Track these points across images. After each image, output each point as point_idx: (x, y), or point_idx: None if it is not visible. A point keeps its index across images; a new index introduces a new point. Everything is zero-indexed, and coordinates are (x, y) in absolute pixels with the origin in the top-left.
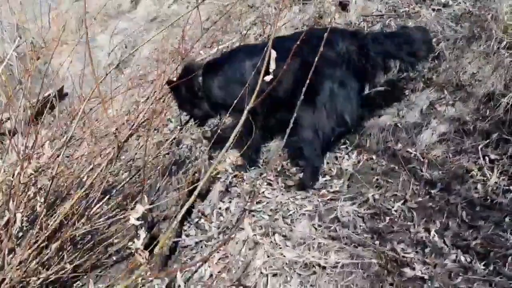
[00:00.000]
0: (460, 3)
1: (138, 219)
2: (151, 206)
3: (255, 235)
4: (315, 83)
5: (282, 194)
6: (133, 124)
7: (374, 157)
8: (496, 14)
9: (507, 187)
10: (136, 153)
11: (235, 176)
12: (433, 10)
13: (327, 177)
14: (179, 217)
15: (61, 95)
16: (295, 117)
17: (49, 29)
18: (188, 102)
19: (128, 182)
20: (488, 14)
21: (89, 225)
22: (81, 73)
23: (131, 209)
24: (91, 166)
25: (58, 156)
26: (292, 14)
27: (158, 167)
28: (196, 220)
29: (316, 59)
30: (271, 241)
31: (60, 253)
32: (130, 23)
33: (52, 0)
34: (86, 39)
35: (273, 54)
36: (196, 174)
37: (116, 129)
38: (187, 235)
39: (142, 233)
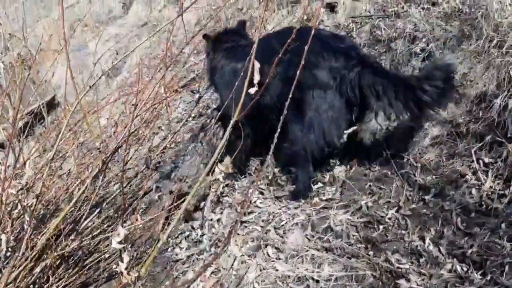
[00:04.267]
0: (449, 1)
1: (120, 242)
2: (141, 222)
3: (243, 255)
4: (304, 100)
5: (274, 204)
6: (121, 137)
7: (366, 162)
8: (486, 12)
9: (502, 192)
10: (126, 164)
11: (226, 185)
12: (422, 9)
13: (320, 184)
14: (164, 237)
15: (52, 104)
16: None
17: (45, 38)
18: None
19: (119, 193)
20: (478, 12)
21: (79, 241)
22: (72, 81)
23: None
24: (79, 180)
25: (43, 174)
26: (281, 17)
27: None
28: (188, 232)
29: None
30: (264, 254)
31: (50, 271)
32: (121, 28)
33: (43, 8)
34: (66, 48)
35: (257, 65)
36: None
37: (101, 143)
38: (179, 248)
39: (126, 257)
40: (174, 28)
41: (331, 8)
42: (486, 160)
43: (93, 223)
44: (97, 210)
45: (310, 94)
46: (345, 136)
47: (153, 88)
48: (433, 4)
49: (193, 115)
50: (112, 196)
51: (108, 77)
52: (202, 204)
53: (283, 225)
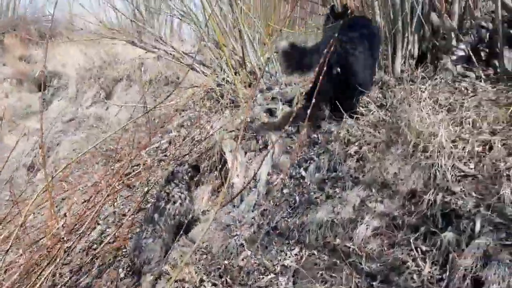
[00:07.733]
0: (374, 112)
1: None
2: None
3: None
4: None
5: None
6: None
7: (315, 252)
8: (407, 122)
9: (439, 276)
10: (63, 262)
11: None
12: (351, 117)
13: (272, 275)
14: None
15: None
16: None
17: None
18: None
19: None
20: (401, 122)
21: None
22: None
23: None
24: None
25: None
26: (224, 119)
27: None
28: None
29: None
30: None
31: None
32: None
33: None
34: None
35: None
36: None
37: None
38: None
39: None
40: (105, 125)
41: (271, 112)
42: (423, 248)
43: None
44: None
45: None
46: None
47: (107, 182)
48: (361, 115)
49: (132, 210)
50: None
51: (29, 171)
52: None
53: None
